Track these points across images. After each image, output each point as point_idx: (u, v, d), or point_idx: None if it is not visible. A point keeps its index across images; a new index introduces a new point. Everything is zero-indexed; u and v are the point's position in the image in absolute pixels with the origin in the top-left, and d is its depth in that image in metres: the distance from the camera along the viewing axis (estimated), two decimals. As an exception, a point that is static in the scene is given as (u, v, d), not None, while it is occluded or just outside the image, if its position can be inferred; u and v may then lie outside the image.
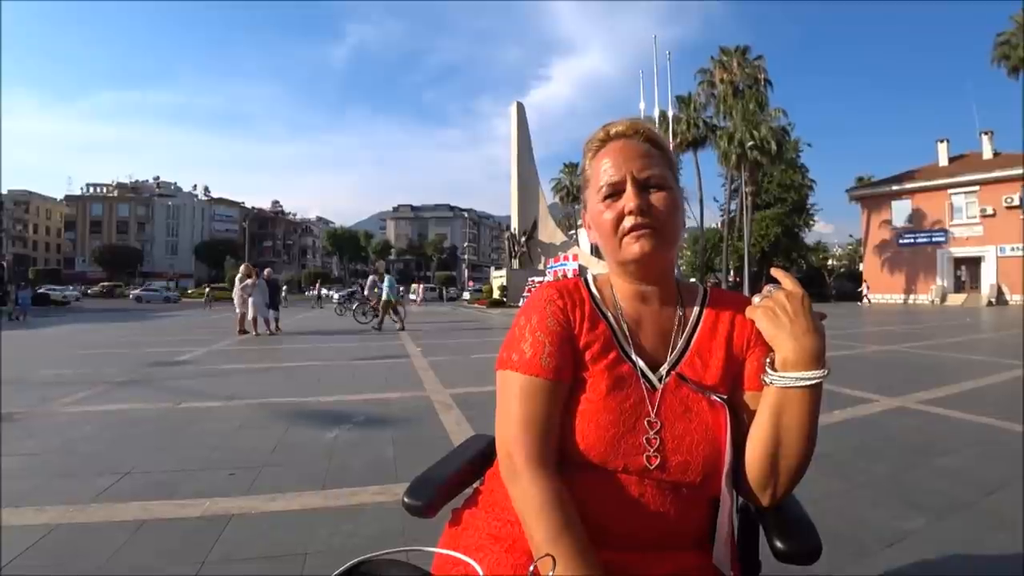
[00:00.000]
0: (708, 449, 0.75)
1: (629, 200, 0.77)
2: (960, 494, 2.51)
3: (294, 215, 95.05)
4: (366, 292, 15.35)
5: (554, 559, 0.62)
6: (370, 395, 4.94)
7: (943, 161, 33.69)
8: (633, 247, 0.78)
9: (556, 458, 0.76)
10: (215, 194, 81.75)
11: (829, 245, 52.75)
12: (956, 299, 29.62)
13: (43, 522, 2.19)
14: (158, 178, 78.93)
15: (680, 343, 0.83)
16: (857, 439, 3.46)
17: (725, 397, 0.78)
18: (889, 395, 4.75)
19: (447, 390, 5.05)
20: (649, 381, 0.79)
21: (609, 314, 0.84)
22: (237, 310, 11.27)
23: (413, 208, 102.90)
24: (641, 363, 0.80)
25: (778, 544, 0.73)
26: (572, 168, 49.16)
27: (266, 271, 12.23)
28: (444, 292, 46.53)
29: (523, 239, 29.60)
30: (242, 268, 11.69)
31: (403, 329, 12.33)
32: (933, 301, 30.16)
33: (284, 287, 23.18)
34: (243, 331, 11.08)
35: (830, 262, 48.82)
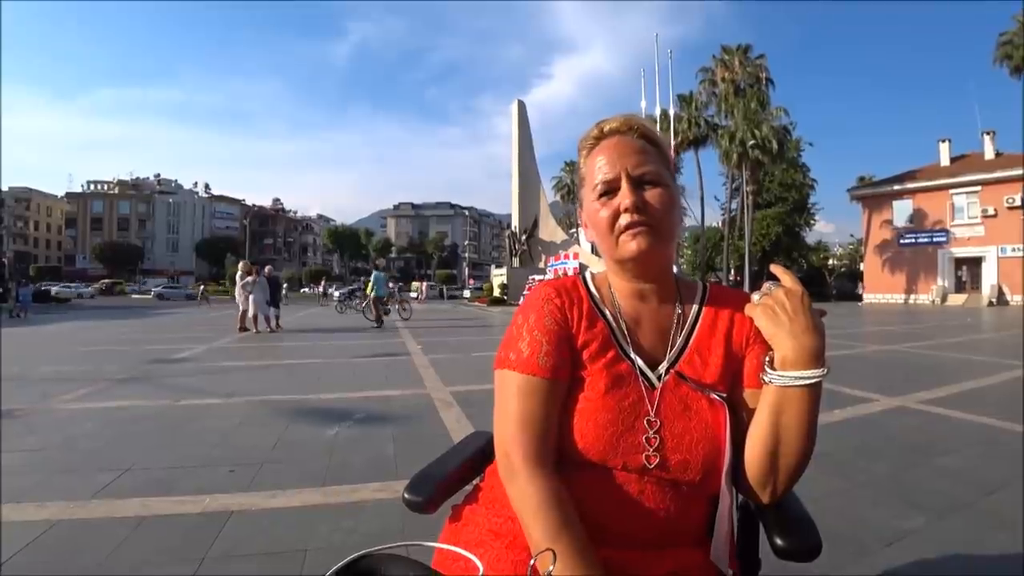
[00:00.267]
0: (708, 447, 0.75)
1: (624, 198, 0.77)
2: (960, 494, 2.51)
3: (295, 213, 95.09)
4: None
5: (554, 553, 0.62)
6: (370, 392, 4.94)
7: (944, 161, 33.64)
8: (630, 245, 0.77)
9: (554, 457, 0.76)
10: (216, 191, 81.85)
11: (830, 245, 52.77)
12: (957, 299, 29.59)
13: (44, 518, 2.20)
14: (159, 175, 78.98)
15: (679, 341, 0.82)
16: (858, 438, 3.46)
17: (724, 395, 0.78)
18: (890, 395, 4.75)
19: (447, 387, 5.06)
20: (648, 380, 0.79)
21: (607, 312, 0.84)
22: (239, 307, 11.29)
23: (414, 206, 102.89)
24: (640, 361, 0.80)
25: (778, 541, 0.73)
26: (573, 166, 47.26)
27: (267, 269, 12.24)
28: (445, 290, 46.60)
29: (524, 237, 29.57)
30: (241, 265, 11.70)
31: (379, 326, 12.32)
32: (934, 301, 30.13)
33: (285, 284, 23.20)
34: (243, 328, 11.08)
35: (831, 262, 48.80)
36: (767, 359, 0.74)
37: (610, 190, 0.79)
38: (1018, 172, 27.66)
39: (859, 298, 32.89)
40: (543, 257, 28.52)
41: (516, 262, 29.08)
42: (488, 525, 0.78)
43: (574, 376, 0.79)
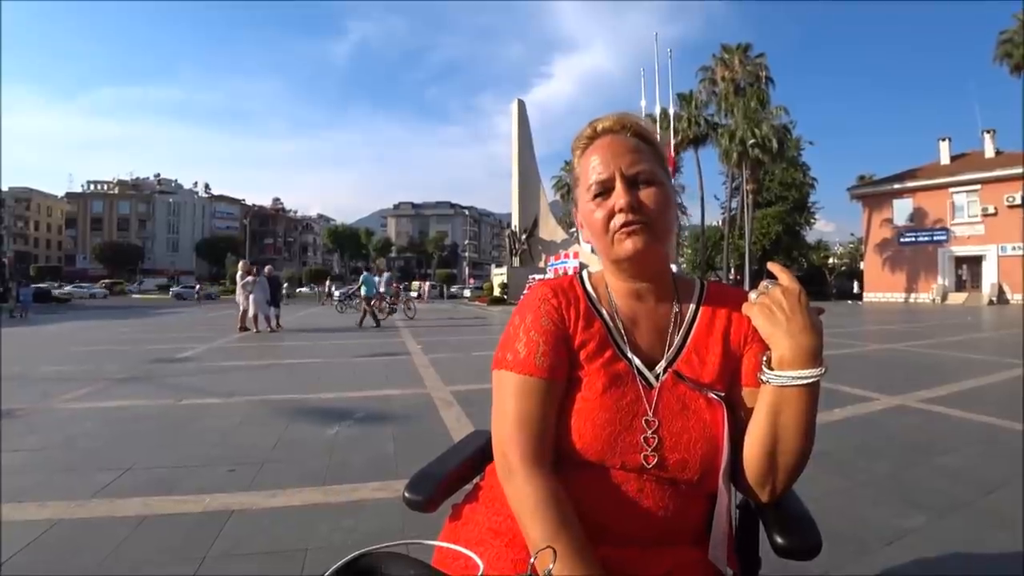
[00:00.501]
0: (706, 447, 0.75)
1: (619, 197, 0.76)
2: (960, 493, 2.51)
3: (295, 212, 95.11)
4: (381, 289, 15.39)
5: (554, 550, 0.62)
6: (371, 392, 4.94)
7: (945, 160, 33.64)
8: (625, 244, 0.77)
9: (552, 457, 0.76)
10: (216, 191, 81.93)
11: (830, 244, 52.71)
12: (957, 298, 29.59)
13: (44, 517, 2.20)
14: (159, 175, 79.01)
15: (677, 340, 0.82)
16: (858, 437, 3.46)
17: (722, 394, 0.78)
18: (890, 393, 4.75)
19: (447, 387, 5.06)
20: (645, 379, 0.79)
21: (604, 312, 0.83)
22: (239, 307, 11.30)
23: (414, 205, 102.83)
24: (637, 361, 0.80)
25: (778, 540, 0.72)
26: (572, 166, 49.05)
27: (267, 268, 12.25)
28: (445, 290, 46.66)
29: (524, 237, 29.59)
30: (240, 265, 11.71)
31: (362, 326, 12.42)
32: (934, 300, 30.13)
33: (285, 284, 23.22)
34: (244, 328, 11.09)
35: (831, 261, 48.76)
36: (764, 358, 0.74)
37: (604, 190, 0.79)
38: (1018, 171, 27.65)
39: (859, 297, 32.86)
40: (543, 256, 28.52)
41: (516, 261, 29.09)
42: (488, 524, 0.78)
43: (571, 376, 0.79)
